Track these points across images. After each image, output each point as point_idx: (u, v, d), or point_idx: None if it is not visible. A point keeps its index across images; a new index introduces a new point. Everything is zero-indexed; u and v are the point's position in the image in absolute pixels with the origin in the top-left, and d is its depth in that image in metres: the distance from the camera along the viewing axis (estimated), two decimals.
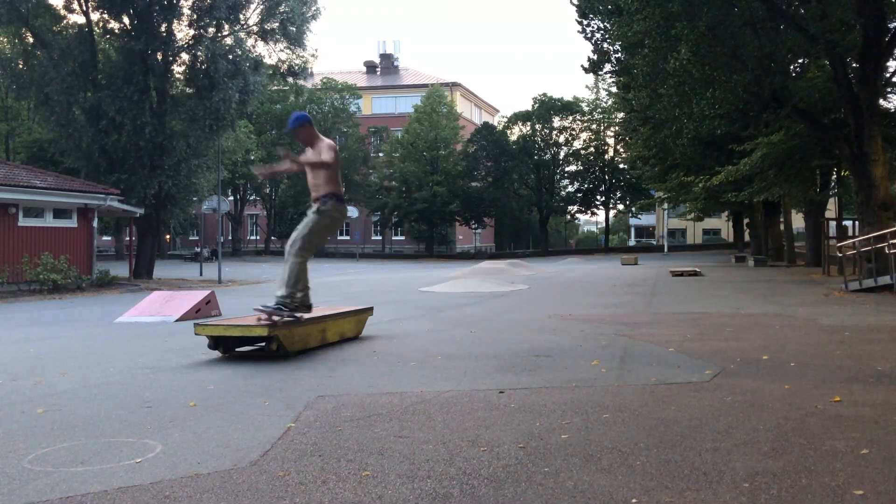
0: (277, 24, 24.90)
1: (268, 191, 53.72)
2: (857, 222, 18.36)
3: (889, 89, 18.61)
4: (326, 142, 6.60)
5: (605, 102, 53.27)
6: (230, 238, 55.18)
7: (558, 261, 40.82)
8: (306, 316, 7.13)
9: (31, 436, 3.89)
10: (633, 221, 73.34)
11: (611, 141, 54.47)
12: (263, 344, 6.56)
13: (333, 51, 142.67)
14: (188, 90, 24.42)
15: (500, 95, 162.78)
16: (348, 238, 58.45)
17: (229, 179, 46.01)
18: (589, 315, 10.20)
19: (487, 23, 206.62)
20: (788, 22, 14.95)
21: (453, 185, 51.42)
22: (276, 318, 6.44)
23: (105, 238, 51.19)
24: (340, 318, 7.60)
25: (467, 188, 52.72)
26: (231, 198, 52.35)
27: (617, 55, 20.14)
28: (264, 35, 25.17)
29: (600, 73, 23.20)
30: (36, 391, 5.19)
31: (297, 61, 27.32)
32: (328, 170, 6.55)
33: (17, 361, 6.74)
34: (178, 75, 24.76)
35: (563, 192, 56.33)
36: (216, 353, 6.68)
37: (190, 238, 59.85)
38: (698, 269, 22.22)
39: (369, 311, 8.38)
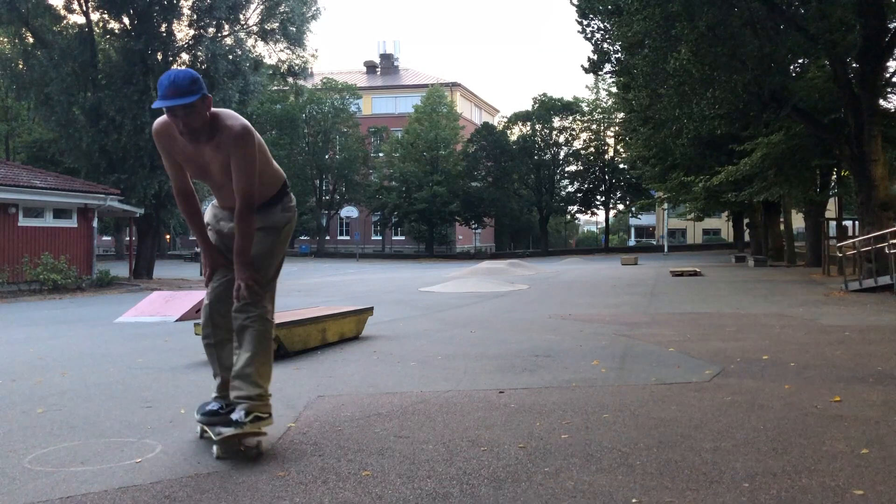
0: (277, 25, 24.92)
1: None
2: (857, 222, 18.37)
3: (889, 89, 18.61)
4: (236, 129, 3.38)
5: (605, 102, 53.25)
6: None
7: (558, 261, 40.82)
8: (305, 316, 7.12)
9: (31, 436, 3.89)
10: (633, 221, 73.33)
11: (611, 141, 54.45)
12: None
13: (333, 51, 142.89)
14: None
15: (500, 95, 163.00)
16: (348, 238, 58.47)
17: None
18: (589, 315, 10.20)
19: (487, 23, 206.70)
20: (788, 22, 14.96)
21: (453, 185, 51.42)
22: (256, 440, 3.56)
23: (105, 238, 51.18)
24: (340, 318, 7.60)
25: (467, 188, 52.73)
26: None
27: (617, 55, 20.12)
28: (264, 35, 25.19)
29: (600, 73, 23.19)
30: (36, 391, 5.19)
31: (297, 61, 27.34)
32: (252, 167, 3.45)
33: (17, 361, 6.74)
34: None
35: (563, 192, 56.33)
36: None
37: (190, 238, 59.85)
38: (698, 269, 22.23)
39: (369, 311, 8.38)
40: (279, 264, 3.76)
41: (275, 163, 3.71)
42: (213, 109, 3.42)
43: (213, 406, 3.66)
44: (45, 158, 36.79)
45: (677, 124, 19.22)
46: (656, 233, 74.29)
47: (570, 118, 54.67)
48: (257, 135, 3.47)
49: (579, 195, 55.77)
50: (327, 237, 56.59)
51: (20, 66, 24.21)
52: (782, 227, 29.73)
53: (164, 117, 3.43)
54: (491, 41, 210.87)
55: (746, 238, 40.50)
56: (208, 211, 3.94)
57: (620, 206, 59.29)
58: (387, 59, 67.61)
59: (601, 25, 19.68)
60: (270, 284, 3.68)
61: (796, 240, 32.22)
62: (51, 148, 33.73)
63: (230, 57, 23.16)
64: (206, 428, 3.63)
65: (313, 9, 25.62)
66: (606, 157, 54.76)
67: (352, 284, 20.26)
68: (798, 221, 36.07)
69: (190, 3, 23.33)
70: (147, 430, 3.96)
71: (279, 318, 6.93)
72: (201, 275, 26.00)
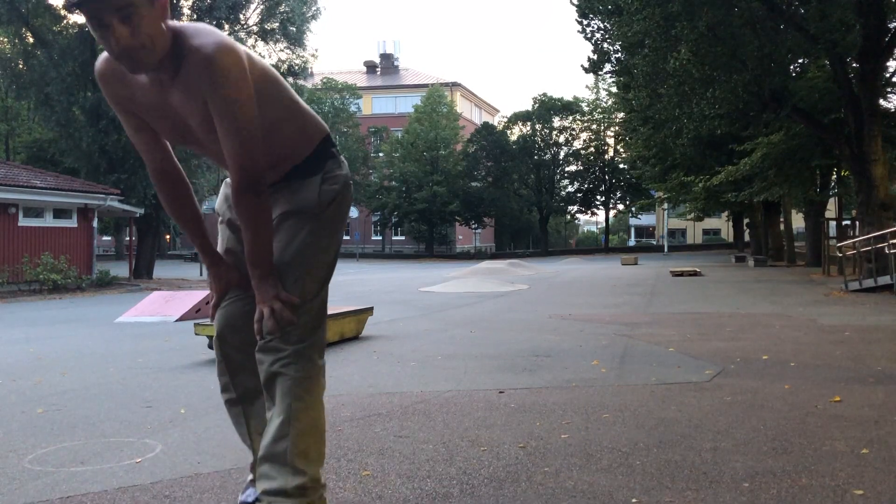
0: (277, 24, 24.97)
1: None
2: (856, 222, 18.37)
3: (889, 89, 18.63)
4: (207, 50, 1.88)
5: (605, 102, 53.26)
6: None
7: (558, 261, 40.81)
8: None
9: (31, 436, 3.89)
10: (633, 221, 73.33)
11: (611, 141, 54.46)
12: None
13: (333, 51, 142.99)
14: None
15: (500, 95, 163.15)
16: (348, 238, 58.44)
17: None
18: (589, 315, 10.20)
19: (487, 23, 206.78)
20: (788, 22, 14.96)
21: (453, 185, 51.42)
22: None
23: (105, 238, 51.16)
24: (340, 318, 7.60)
25: (467, 188, 52.72)
26: None
27: (617, 55, 20.14)
28: (264, 35, 25.22)
29: (600, 73, 23.21)
30: (36, 391, 5.19)
31: (297, 61, 27.36)
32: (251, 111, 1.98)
33: (17, 361, 6.74)
34: None
35: (563, 192, 56.33)
36: None
37: None
38: (698, 269, 22.22)
39: (369, 311, 8.37)
40: (327, 269, 2.28)
41: (306, 107, 2.29)
42: (174, 24, 1.96)
43: (247, 497, 2.45)
44: (45, 158, 36.79)
45: (677, 124, 19.23)
46: (656, 233, 74.29)
47: (570, 118, 54.67)
48: (255, 58, 2.07)
49: (579, 195, 55.77)
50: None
51: (20, 66, 24.25)
52: (782, 227, 29.74)
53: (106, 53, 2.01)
54: (491, 41, 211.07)
55: (746, 238, 40.50)
56: (220, 193, 2.53)
57: (620, 206, 59.31)
58: (387, 58, 67.59)
59: (601, 25, 19.70)
60: (313, 303, 2.20)
61: (796, 240, 32.23)
62: (51, 148, 33.76)
63: None
64: None
65: (313, 9, 25.69)
66: (606, 157, 54.75)
67: (352, 284, 20.26)
68: (798, 221, 36.08)
69: (190, 3, 23.36)
70: (147, 430, 3.96)
71: None
72: (201, 275, 25.90)
